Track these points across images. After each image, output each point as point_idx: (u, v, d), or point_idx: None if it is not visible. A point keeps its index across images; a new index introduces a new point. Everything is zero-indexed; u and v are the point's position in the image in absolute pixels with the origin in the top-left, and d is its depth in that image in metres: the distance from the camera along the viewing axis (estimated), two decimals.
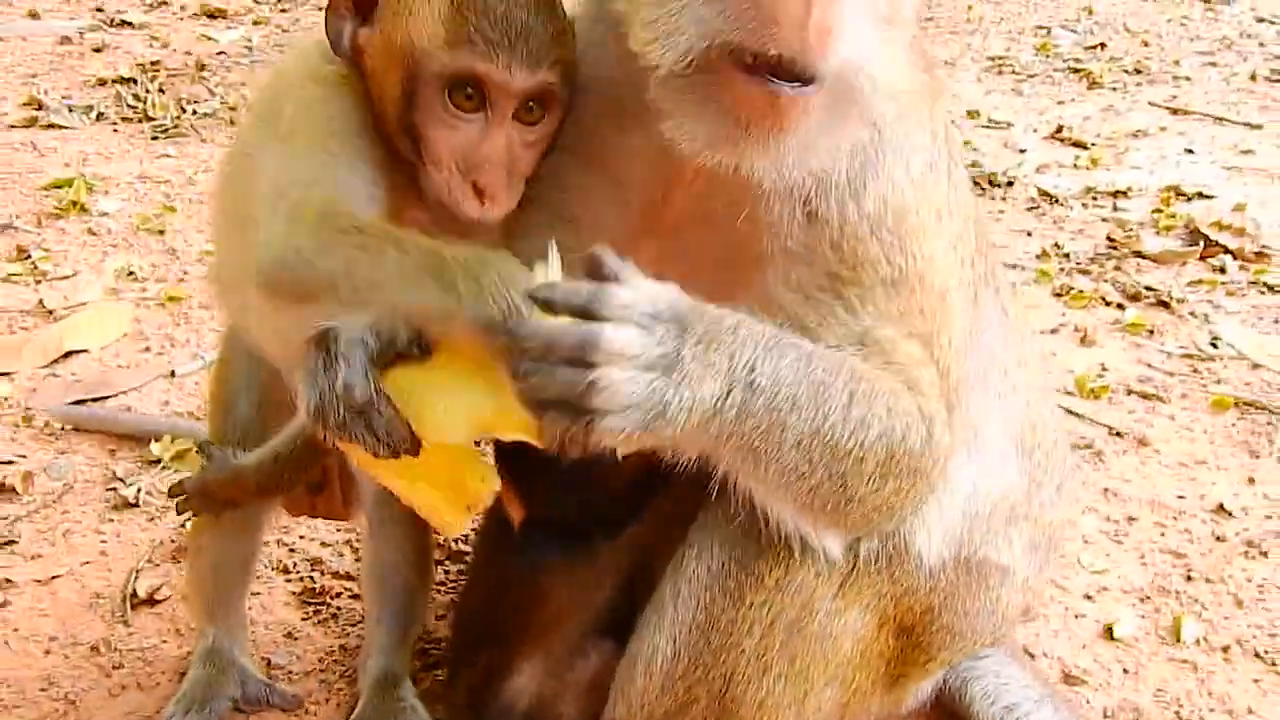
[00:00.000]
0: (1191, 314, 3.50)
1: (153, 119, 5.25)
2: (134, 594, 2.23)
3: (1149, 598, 2.24)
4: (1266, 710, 1.96)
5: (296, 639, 2.15)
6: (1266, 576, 2.31)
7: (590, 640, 1.70)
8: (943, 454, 1.50)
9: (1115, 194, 4.62)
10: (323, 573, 2.31)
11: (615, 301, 1.27)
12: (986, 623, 1.69)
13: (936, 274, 1.50)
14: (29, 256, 3.71)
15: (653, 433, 1.29)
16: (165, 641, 2.13)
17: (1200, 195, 4.62)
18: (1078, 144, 5.33)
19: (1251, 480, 2.63)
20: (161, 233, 3.99)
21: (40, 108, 5.14)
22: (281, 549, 2.37)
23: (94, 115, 5.21)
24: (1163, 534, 2.45)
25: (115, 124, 5.11)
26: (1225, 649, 2.11)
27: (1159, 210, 4.38)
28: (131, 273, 3.62)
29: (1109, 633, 2.14)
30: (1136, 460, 2.72)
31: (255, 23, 6.61)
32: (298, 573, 2.32)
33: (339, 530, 2.43)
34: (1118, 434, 2.83)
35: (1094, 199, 4.59)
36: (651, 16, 1.28)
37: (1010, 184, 4.78)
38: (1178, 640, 2.13)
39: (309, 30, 5.80)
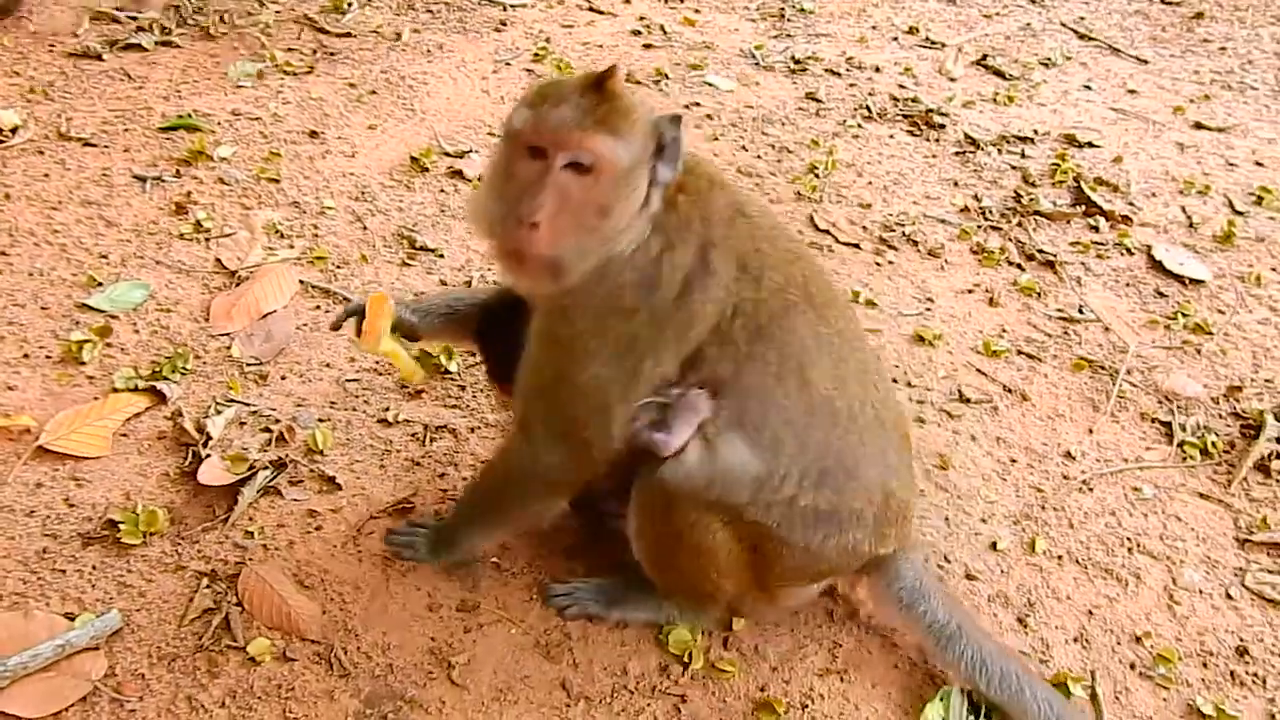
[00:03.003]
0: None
1: (213, 37, 6.08)
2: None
3: (1019, 521, 3.64)
4: (1078, 597, 3.38)
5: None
6: (1089, 507, 3.71)
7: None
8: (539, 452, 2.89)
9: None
10: None
11: None
12: (805, 557, 2.85)
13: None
14: (186, 212, 4.71)
15: None
16: None
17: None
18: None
19: (1090, 431, 4.02)
20: (277, 180, 4.99)
21: (113, 21, 5.95)
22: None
23: (159, 27, 6.01)
24: (1031, 473, 3.83)
25: (178, 44, 5.95)
26: (1059, 558, 3.53)
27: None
28: (278, 230, 4.66)
29: (993, 546, 3.54)
30: (1019, 413, 4.08)
31: None
32: None
33: None
34: (1008, 390, 4.19)
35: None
36: None
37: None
38: (1033, 551, 3.53)
39: None
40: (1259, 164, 5.80)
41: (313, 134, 5.33)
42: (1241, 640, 3.20)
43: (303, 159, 5.14)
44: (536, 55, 6.34)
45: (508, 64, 6.23)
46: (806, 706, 2.97)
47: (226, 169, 4.98)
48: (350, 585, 3.20)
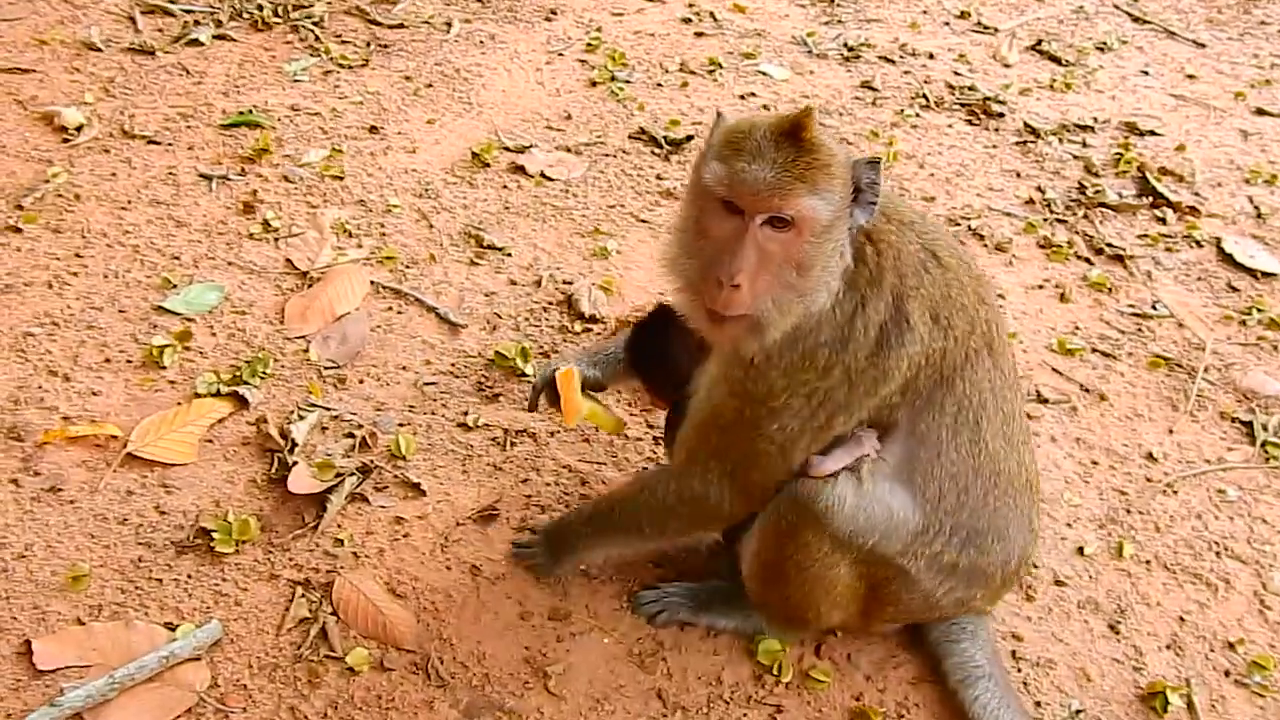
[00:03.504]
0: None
1: (266, 28, 6.07)
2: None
3: (1104, 525, 3.63)
4: (1168, 603, 3.37)
5: None
6: (1174, 510, 3.69)
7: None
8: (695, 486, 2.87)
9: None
10: None
11: None
12: (921, 604, 2.86)
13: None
14: (254, 211, 4.72)
15: None
16: None
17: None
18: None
19: (1171, 431, 4.00)
20: (341, 178, 5.00)
21: (166, 14, 5.95)
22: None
23: (213, 20, 6.01)
24: (1114, 475, 3.81)
25: (233, 37, 5.95)
26: (1147, 563, 3.51)
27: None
28: (346, 229, 4.67)
29: (1080, 551, 3.53)
30: (1097, 413, 4.06)
31: None
32: None
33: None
34: (1085, 389, 4.16)
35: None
36: None
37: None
38: (1121, 556, 3.52)
39: None
40: None
41: (372, 129, 5.33)
42: None
43: (364, 155, 5.14)
44: (589, 45, 6.31)
45: (560, 54, 6.20)
46: (903, 716, 2.98)
47: (290, 167, 4.99)
48: (442, 594, 3.22)
